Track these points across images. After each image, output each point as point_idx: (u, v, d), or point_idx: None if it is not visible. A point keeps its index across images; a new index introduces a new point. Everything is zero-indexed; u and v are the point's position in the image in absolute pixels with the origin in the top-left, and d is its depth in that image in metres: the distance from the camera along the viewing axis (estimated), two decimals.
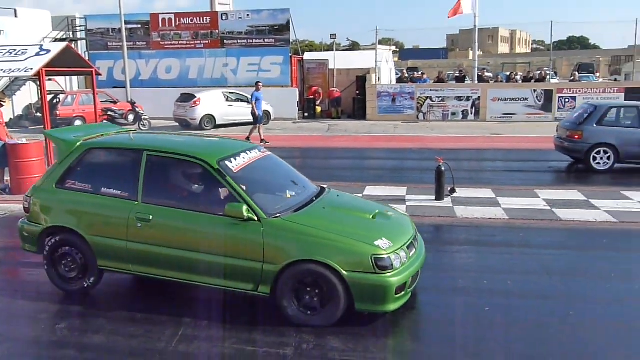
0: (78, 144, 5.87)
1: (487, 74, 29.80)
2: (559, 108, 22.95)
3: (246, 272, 5.14)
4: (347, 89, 25.70)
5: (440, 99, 23.51)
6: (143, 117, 21.53)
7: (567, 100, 22.94)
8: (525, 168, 14.02)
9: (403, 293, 5.02)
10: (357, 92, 24.89)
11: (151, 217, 5.35)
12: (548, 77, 28.38)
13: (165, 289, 5.81)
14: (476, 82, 25.32)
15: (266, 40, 24.85)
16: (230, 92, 22.83)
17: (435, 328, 5.31)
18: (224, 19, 25.22)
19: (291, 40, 25.26)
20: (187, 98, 21.77)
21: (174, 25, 25.44)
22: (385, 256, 4.97)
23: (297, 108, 24.86)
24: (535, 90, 23.28)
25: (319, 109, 25.24)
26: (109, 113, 20.99)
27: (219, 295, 5.51)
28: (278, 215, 5.21)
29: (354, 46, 62.07)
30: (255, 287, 5.17)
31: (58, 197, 5.78)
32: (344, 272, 4.90)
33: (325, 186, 6.27)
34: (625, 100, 22.26)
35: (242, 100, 22.36)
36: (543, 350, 4.72)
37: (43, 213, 5.85)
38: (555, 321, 5.19)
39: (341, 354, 4.64)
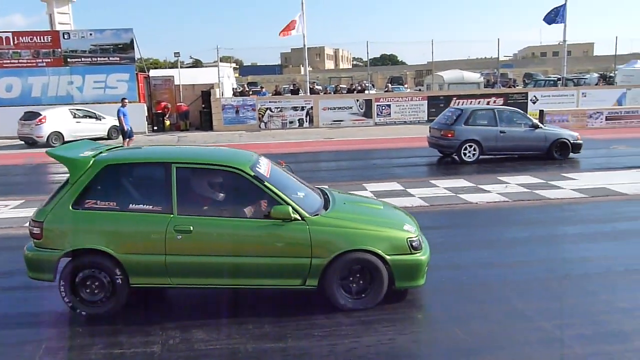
0: (91, 161, 5.26)
1: (317, 86, 31.02)
2: (377, 114, 24.61)
3: (294, 269, 5.16)
4: (194, 102, 25.39)
5: (279, 109, 24.15)
6: None
7: (383, 107, 24.72)
8: (353, 167, 14.91)
9: (427, 269, 5.43)
10: (203, 105, 24.70)
11: (192, 227, 5.06)
12: (367, 88, 30.15)
13: None
14: (308, 94, 26.15)
15: (111, 59, 23.69)
16: (77, 109, 21.43)
17: None
18: (65, 37, 23.49)
19: (136, 58, 24.05)
20: (31, 116, 20.19)
21: (12, 43, 22.93)
22: (416, 239, 5.41)
23: (147, 122, 23.79)
24: (357, 100, 24.86)
25: (167, 122, 24.47)
26: None
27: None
28: (317, 213, 5.33)
29: (196, 63, 60.64)
30: (303, 282, 5.20)
31: (78, 219, 5.12)
32: (387, 256, 5.20)
33: (318, 186, 6.53)
34: (428, 105, 24.54)
35: (90, 117, 21.23)
36: None
37: (61, 238, 5.12)
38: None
39: (206, 344, 4.68)
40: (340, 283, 5.20)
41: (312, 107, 24.45)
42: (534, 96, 25.72)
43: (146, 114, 24.47)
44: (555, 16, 27.99)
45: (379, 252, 5.18)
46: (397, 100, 25.33)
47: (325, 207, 5.55)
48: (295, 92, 28.39)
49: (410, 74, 58.99)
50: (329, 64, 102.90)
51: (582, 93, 26.41)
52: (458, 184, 11.26)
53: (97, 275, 5.09)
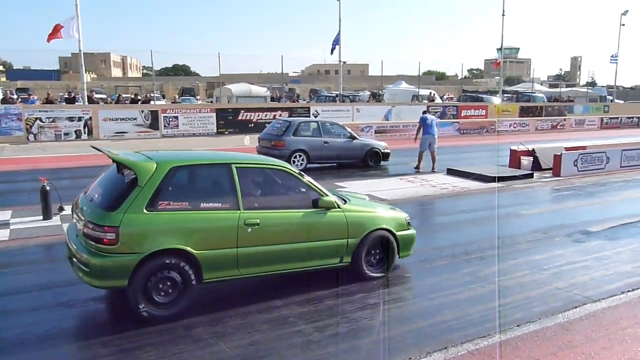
0: (156, 165, 5.36)
1: (96, 95, 28.79)
2: (164, 126, 23.84)
3: (335, 249, 6.16)
4: None
5: (51, 119, 21.88)
6: None
7: (171, 119, 23.97)
8: None
9: None
10: None
11: (259, 221, 5.59)
12: (153, 99, 29.07)
13: None
14: (86, 103, 24.16)
15: None
16: None
17: None
18: None
19: None
20: None
21: None
22: (408, 218, 7.04)
23: None
24: (142, 111, 23.69)
25: None
26: None
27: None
28: (345, 203, 6.43)
29: None
30: (340, 259, 6.24)
31: (155, 221, 5.14)
32: (397, 232, 6.70)
33: None
34: (217, 118, 24.58)
35: None
36: None
37: (140, 241, 5.05)
38: None
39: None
40: (365, 258, 6.39)
41: (90, 117, 22.57)
42: (316, 110, 27.63)
43: None
44: (336, 41, 31.01)
45: (392, 229, 6.63)
46: (186, 112, 24.87)
47: (343, 200, 6.57)
48: (71, 100, 25.95)
49: (203, 86, 58.71)
50: (117, 72, 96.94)
51: (357, 109, 29.27)
52: None
53: (170, 275, 5.19)
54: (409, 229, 6.91)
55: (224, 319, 5.39)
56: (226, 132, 25.22)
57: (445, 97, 49.01)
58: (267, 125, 25.47)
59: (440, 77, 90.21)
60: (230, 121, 25.54)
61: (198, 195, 5.51)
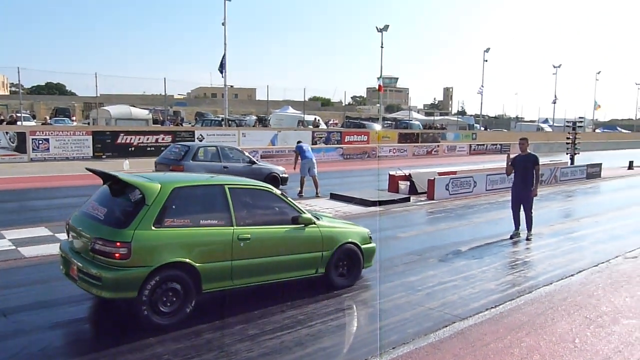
0: (160, 186, 5.88)
1: None
2: (33, 149, 22.04)
3: (313, 260, 6.95)
4: None
5: None
6: None
7: (41, 141, 22.25)
8: None
9: None
10: None
11: (249, 235, 6.21)
12: (20, 119, 26.74)
13: None
14: None
15: None
16: None
17: None
18: None
19: None
20: None
21: None
22: (370, 233, 7.94)
23: None
24: (7, 133, 21.66)
25: None
26: None
27: None
28: (318, 220, 7.22)
29: None
30: (315, 270, 7.01)
31: (162, 237, 5.65)
32: (362, 245, 7.58)
33: None
34: (93, 141, 23.19)
35: None
36: None
37: (149, 255, 5.52)
38: None
39: None
40: (335, 269, 7.24)
41: None
42: (201, 135, 27.09)
43: None
44: (221, 65, 30.68)
45: (358, 243, 7.53)
46: (58, 134, 23.12)
47: (315, 217, 7.29)
48: None
49: (79, 106, 55.25)
50: None
51: (243, 133, 29.17)
52: (32, 234, 9.69)
53: (173, 286, 5.69)
54: (370, 243, 7.83)
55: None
56: (103, 156, 23.85)
57: (330, 122, 50.57)
58: (148, 149, 24.81)
59: (326, 103, 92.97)
60: (108, 144, 24.20)
61: (197, 213, 6.07)
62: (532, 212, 10.92)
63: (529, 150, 10.90)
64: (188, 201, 6.09)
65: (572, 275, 8.31)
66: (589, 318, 6.47)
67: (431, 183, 16.03)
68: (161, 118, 34.10)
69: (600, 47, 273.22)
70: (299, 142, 16.85)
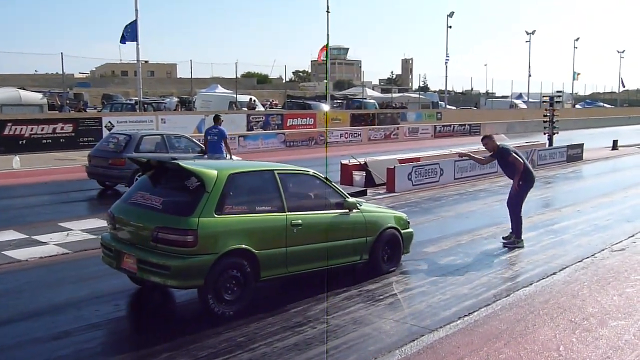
0: (217, 173, 6.75)
1: None
2: None
3: (359, 246, 8.09)
4: None
5: None
6: None
7: None
8: None
9: None
10: None
11: (301, 221, 7.20)
12: None
13: None
14: None
15: None
16: None
17: None
18: None
19: None
20: None
21: None
22: (408, 218, 9.21)
23: None
24: None
25: None
26: None
27: None
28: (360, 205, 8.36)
29: None
30: (360, 257, 8.17)
31: (224, 224, 6.55)
32: (402, 230, 8.80)
33: None
34: None
35: None
36: None
37: (214, 242, 6.41)
38: None
39: None
40: (381, 254, 8.40)
41: None
42: (109, 122, 26.32)
43: None
44: (128, 34, 29.47)
45: (399, 227, 8.71)
46: None
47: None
48: None
49: None
50: None
51: (162, 119, 28.55)
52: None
53: (235, 274, 6.56)
54: (408, 228, 8.97)
55: None
56: None
57: (268, 103, 50.44)
58: (44, 141, 23.91)
59: (262, 81, 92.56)
60: None
61: (252, 199, 7.10)
62: (515, 212, 10.41)
63: (498, 143, 10.52)
64: (243, 188, 7.14)
65: (554, 274, 8.67)
66: (574, 322, 6.77)
67: (391, 172, 16.28)
68: (59, 103, 33.02)
69: (577, 11, 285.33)
70: (209, 128, 15.68)
